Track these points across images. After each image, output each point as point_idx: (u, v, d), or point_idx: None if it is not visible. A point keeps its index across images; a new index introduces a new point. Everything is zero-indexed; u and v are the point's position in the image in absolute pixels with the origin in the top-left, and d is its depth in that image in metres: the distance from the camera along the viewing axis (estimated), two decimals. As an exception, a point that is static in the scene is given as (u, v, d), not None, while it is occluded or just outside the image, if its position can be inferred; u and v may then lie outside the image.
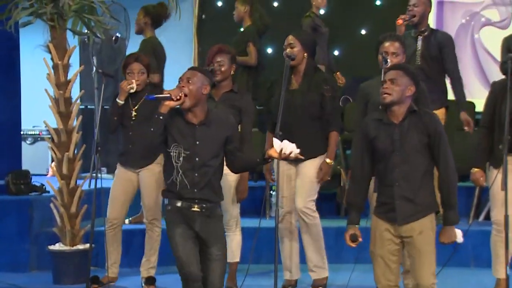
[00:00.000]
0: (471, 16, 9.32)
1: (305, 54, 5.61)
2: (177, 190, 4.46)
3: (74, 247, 6.13)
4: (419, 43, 6.61)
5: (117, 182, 5.94)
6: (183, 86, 4.43)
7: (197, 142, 4.44)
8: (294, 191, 5.70)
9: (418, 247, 4.33)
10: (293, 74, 5.66)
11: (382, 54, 5.32)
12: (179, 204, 4.47)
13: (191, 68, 4.65)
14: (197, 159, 4.44)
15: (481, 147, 5.36)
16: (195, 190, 4.45)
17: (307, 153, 5.57)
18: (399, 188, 4.32)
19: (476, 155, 5.39)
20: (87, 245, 5.96)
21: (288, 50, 5.58)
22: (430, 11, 6.84)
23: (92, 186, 5.75)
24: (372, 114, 4.50)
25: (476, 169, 5.35)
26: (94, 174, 5.69)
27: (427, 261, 4.34)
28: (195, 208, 4.46)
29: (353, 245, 4.47)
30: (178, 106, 4.44)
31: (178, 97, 4.41)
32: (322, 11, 8.58)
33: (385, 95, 4.32)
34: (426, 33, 6.62)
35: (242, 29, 8.16)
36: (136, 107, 5.87)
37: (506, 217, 4.88)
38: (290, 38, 5.63)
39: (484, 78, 9.12)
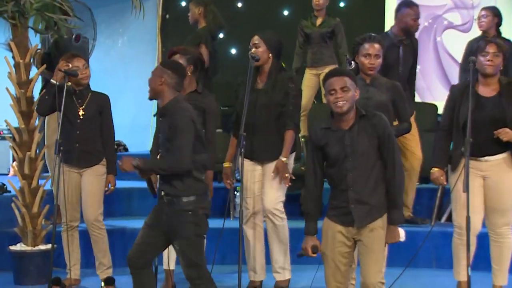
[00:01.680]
0: (433, 19, 9.43)
1: (270, 55, 5.60)
2: None
3: (36, 248, 6.06)
4: (401, 51, 6.68)
5: (67, 186, 5.83)
6: None
7: (159, 135, 4.67)
8: (259, 192, 5.69)
9: (367, 244, 4.35)
10: (259, 74, 5.65)
11: (366, 56, 5.31)
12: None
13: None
14: (160, 150, 4.67)
15: (439, 148, 5.39)
16: (161, 182, 4.66)
17: (273, 153, 5.59)
18: (353, 192, 4.35)
19: (435, 155, 5.41)
20: (49, 246, 5.90)
21: (253, 50, 5.57)
22: None
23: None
24: (319, 123, 4.49)
25: (435, 169, 5.36)
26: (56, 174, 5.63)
27: (374, 258, 4.35)
28: (164, 199, 4.62)
29: (314, 255, 4.48)
30: None
31: None
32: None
33: (342, 103, 4.30)
34: (406, 42, 6.71)
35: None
36: (83, 106, 5.81)
37: (468, 218, 4.91)
38: (255, 38, 5.61)
39: (446, 80, 9.23)
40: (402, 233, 4.45)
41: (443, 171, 5.36)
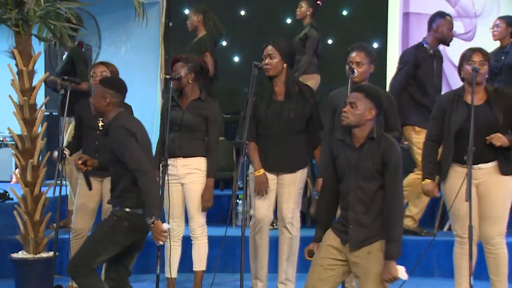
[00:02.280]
0: (436, 28, 9.41)
1: (285, 65, 5.55)
2: None
3: (38, 255, 6.05)
4: (435, 62, 6.70)
5: (83, 192, 5.85)
6: None
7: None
8: (272, 201, 5.66)
9: (365, 267, 4.31)
10: (274, 85, 5.58)
11: (349, 64, 5.37)
12: None
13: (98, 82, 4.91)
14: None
15: (430, 159, 5.36)
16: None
17: (292, 165, 5.57)
18: (353, 212, 4.33)
19: (426, 167, 5.38)
20: (51, 253, 5.90)
21: (267, 61, 5.51)
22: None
23: (57, 194, 5.70)
24: (338, 133, 4.52)
25: (428, 181, 5.34)
26: (58, 181, 5.63)
27: (373, 281, 4.29)
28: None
29: (309, 259, 4.49)
30: None
31: None
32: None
33: (344, 117, 4.35)
34: (438, 53, 6.75)
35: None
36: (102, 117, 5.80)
37: (470, 227, 4.90)
38: (270, 49, 5.52)
39: (449, 89, 9.19)
40: (401, 270, 4.27)
41: (434, 183, 5.34)
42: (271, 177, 5.62)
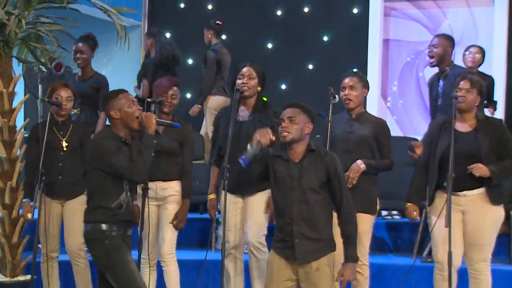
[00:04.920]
0: (415, 55, 9.52)
1: (259, 88, 5.59)
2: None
3: (15, 278, 6.00)
4: (441, 83, 6.65)
5: (46, 215, 5.73)
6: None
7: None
8: (240, 225, 5.64)
9: (315, 283, 4.35)
10: (243, 105, 5.59)
11: (342, 90, 5.45)
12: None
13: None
14: None
15: (415, 183, 5.42)
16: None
17: (255, 186, 5.56)
18: (298, 226, 4.36)
19: (410, 190, 5.44)
20: (28, 277, 5.84)
21: (245, 80, 5.52)
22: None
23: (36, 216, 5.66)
24: (274, 150, 4.56)
25: (409, 204, 5.39)
26: (37, 204, 5.58)
27: None
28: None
29: None
30: None
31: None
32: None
33: (285, 133, 4.39)
34: (447, 72, 6.66)
35: None
36: (66, 137, 5.75)
37: (450, 254, 4.91)
38: (250, 70, 5.54)
39: (427, 115, 9.26)
40: None
41: (416, 206, 5.38)
42: (237, 200, 5.58)
